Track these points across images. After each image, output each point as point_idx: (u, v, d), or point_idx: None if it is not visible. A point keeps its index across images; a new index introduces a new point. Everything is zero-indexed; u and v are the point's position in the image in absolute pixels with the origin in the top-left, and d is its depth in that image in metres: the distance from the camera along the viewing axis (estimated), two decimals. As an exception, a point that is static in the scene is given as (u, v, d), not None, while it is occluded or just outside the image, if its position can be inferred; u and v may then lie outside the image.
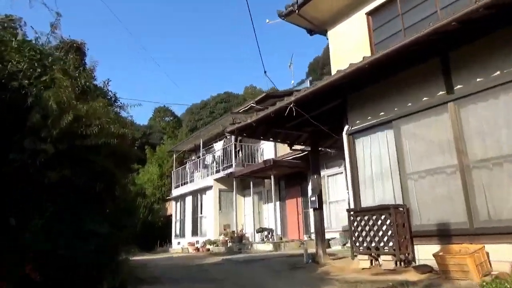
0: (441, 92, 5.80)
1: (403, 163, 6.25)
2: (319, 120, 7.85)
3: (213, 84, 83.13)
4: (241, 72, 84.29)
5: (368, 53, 7.22)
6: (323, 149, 11.22)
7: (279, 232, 15.37)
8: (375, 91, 6.86)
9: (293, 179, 15.98)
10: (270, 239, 15.91)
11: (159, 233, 23.30)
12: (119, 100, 6.29)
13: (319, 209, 9.18)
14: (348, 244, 13.22)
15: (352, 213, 6.63)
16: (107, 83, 5.80)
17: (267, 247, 13.76)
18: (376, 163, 6.77)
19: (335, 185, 13.88)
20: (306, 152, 13.41)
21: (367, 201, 6.81)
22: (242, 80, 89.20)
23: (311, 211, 15.13)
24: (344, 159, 13.82)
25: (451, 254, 4.99)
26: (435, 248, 5.56)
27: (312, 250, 9.30)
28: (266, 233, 16.34)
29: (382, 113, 6.70)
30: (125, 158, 5.52)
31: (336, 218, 13.57)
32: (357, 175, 7.06)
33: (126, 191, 6.47)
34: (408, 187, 6.14)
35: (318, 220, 9.20)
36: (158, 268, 9.53)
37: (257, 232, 16.56)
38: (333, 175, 13.83)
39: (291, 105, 7.14)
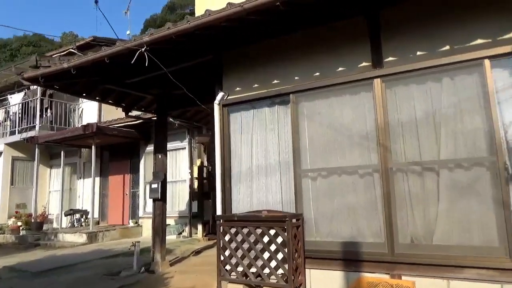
0: (364, 63, 4.21)
1: (298, 155, 4.49)
2: (178, 80, 5.42)
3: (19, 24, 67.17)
4: (58, 16, 70.88)
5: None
6: (169, 119, 8.78)
7: (96, 215, 12.14)
8: (269, 50, 4.86)
9: (121, 151, 12.89)
10: (84, 224, 12.57)
11: None
12: None
13: (161, 201, 6.82)
14: (184, 233, 11.37)
15: (222, 221, 4.54)
16: None
17: (79, 238, 10.53)
18: (259, 150, 4.84)
19: (174, 162, 11.58)
20: (141, 121, 10.69)
21: (241, 203, 4.85)
22: (59, 26, 75.37)
23: (141, 190, 12.43)
24: (189, 133, 11.80)
25: (374, 295, 3.52)
26: (336, 275, 4.07)
27: (139, 240, 6.89)
28: (78, 216, 12.85)
29: (276, 82, 4.77)
30: None
31: (172, 201, 11.35)
32: (230, 165, 5.00)
33: None
34: (303, 189, 4.44)
35: (158, 215, 6.83)
36: None
37: (65, 215, 12.87)
38: (174, 150, 11.47)
39: (143, 49, 4.49)
